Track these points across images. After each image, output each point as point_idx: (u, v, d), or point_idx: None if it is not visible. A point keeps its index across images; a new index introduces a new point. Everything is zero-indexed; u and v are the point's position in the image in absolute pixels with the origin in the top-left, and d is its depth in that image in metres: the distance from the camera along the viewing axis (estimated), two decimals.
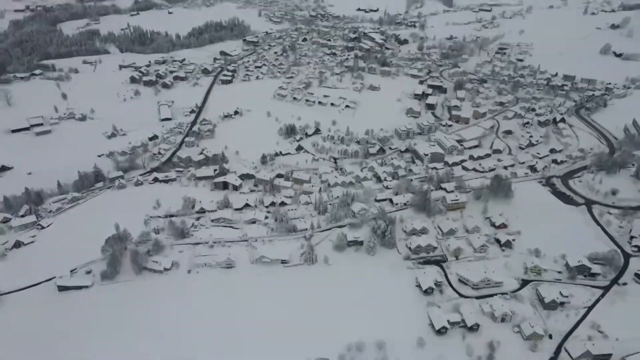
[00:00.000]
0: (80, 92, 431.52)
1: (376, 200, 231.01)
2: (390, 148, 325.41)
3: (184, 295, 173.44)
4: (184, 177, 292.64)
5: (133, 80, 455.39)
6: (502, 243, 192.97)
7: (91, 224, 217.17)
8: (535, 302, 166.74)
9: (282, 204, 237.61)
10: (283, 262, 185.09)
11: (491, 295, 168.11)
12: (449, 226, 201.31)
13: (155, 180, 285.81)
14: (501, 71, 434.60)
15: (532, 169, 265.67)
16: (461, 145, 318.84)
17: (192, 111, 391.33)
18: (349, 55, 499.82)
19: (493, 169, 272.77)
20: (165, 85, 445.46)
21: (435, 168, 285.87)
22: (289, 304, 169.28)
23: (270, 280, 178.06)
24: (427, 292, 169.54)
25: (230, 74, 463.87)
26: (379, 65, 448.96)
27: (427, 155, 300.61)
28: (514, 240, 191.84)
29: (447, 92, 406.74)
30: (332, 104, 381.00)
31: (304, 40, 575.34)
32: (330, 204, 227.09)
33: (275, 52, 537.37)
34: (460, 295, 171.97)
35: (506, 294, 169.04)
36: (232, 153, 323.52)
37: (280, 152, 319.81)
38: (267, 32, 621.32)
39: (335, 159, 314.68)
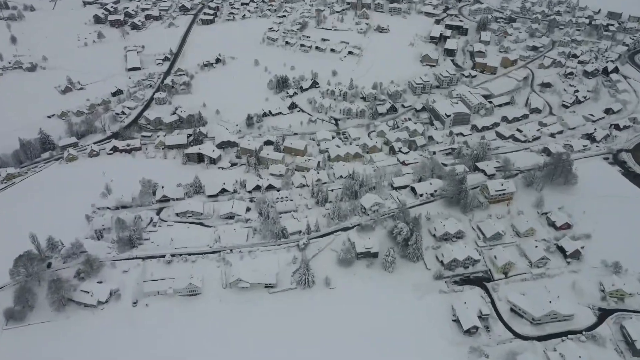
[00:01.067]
0: (33, 34, 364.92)
1: (393, 188, 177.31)
2: (404, 106, 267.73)
3: (127, 341, 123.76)
4: (152, 146, 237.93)
5: (97, 20, 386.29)
6: (567, 253, 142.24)
7: (13, 223, 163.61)
8: (620, 345, 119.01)
9: (270, 187, 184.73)
10: (268, 286, 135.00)
11: (559, 335, 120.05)
12: (493, 228, 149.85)
13: (115, 149, 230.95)
14: (532, 7, 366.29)
15: (590, 137, 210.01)
16: (489, 102, 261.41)
17: (166, 59, 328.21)
18: None
19: (537, 137, 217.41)
20: (135, 26, 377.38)
21: (461, 134, 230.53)
22: (276, 347, 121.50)
23: (249, 314, 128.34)
24: (470, 332, 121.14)
25: (212, 12, 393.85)
26: (388, 1, 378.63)
27: (449, 116, 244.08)
28: (582, 248, 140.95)
29: (468, 34, 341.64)
30: (332, 50, 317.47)
31: None
32: (331, 190, 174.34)
33: None
34: (516, 334, 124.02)
35: (580, 333, 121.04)
36: (212, 112, 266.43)
37: (270, 112, 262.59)
38: None
39: (336, 120, 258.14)
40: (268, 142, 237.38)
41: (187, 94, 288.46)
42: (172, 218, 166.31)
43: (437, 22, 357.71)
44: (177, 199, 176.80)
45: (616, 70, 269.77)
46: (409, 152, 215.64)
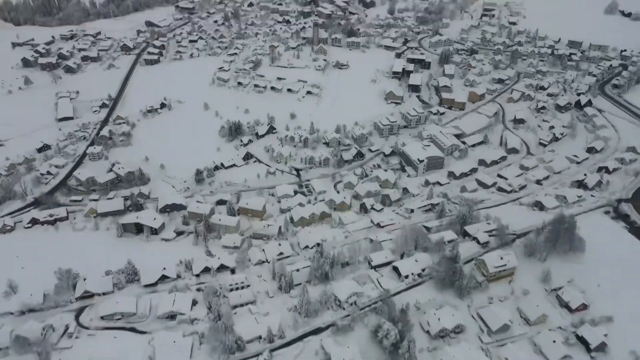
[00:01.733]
0: None
1: (371, 266, 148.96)
2: (371, 150, 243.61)
3: None
4: (81, 214, 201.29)
5: (26, 63, 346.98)
6: (591, 347, 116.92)
7: None
8: None
9: (222, 267, 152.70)
10: None
11: None
12: (499, 318, 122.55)
13: (34, 222, 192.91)
14: (493, 38, 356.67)
15: (582, 185, 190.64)
16: (462, 142, 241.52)
17: (104, 105, 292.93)
18: (305, 23, 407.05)
19: (523, 186, 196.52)
20: (69, 70, 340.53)
21: (438, 183, 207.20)
22: None
23: None
24: None
25: (157, 51, 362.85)
26: (345, 36, 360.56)
27: (422, 161, 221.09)
28: (606, 336, 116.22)
29: (431, 68, 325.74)
30: (289, 90, 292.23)
31: (250, 5, 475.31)
32: (297, 270, 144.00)
33: (216, 21, 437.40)
34: None
35: None
36: (156, 167, 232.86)
37: (222, 165, 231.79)
38: None
39: (298, 170, 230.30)
40: (221, 202, 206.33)
41: (127, 146, 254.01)
42: (96, 323, 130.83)
43: (398, 55, 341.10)
44: (103, 294, 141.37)
45: (589, 103, 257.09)
46: (382, 209, 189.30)
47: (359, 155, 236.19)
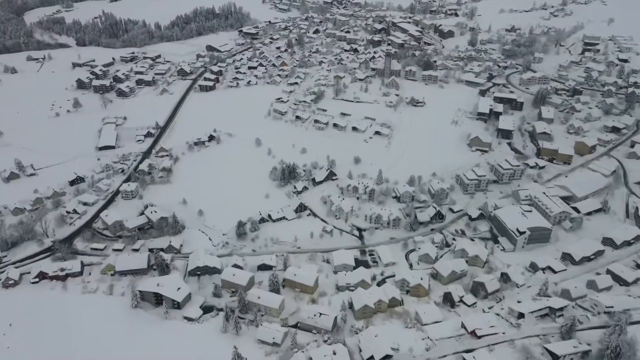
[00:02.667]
0: (1, 101, 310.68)
1: None
2: (452, 210, 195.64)
3: None
4: (97, 269, 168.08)
5: (80, 84, 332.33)
6: None
7: None
8: None
9: None
10: None
11: None
12: None
13: (42, 276, 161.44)
14: (600, 77, 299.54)
15: None
16: (574, 208, 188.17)
17: (149, 134, 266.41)
18: (375, 52, 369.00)
19: None
20: (121, 93, 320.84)
21: (550, 269, 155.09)
22: None
23: None
24: None
25: (213, 77, 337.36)
26: (421, 68, 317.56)
27: (522, 233, 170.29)
28: None
29: (523, 109, 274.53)
30: (354, 129, 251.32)
31: (316, 32, 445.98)
32: None
33: (278, 48, 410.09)
34: None
35: None
36: (193, 213, 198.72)
37: (270, 217, 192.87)
38: (270, 22, 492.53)
39: (360, 231, 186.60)
40: (263, 267, 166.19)
41: (166, 184, 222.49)
42: None
43: (482, 93, 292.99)
44: None
45: None
46: (475, 303, 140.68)
47: (438, 216, 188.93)
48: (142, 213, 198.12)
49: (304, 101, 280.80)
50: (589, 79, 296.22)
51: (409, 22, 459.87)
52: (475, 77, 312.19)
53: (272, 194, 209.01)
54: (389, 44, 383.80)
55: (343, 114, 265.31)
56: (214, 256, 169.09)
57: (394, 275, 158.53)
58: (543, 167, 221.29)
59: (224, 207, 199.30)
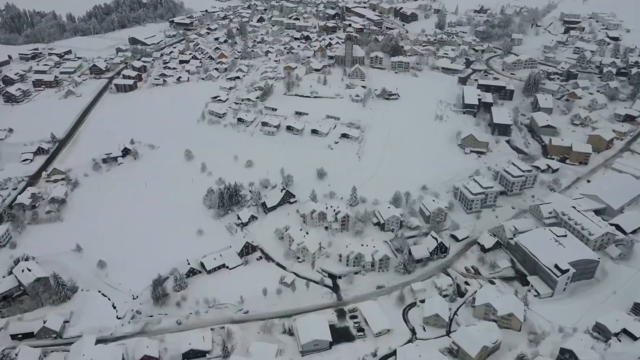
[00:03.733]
0: None
1: None
2: (456, 237, 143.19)
3: None
4: None
5: None
6: None
7: None
8: None
9: None
10: None
11: None
12: None
13: None
14: (593, 58, 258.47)
15: None
16: (615, 226, 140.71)
17: (40, 151, 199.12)
18: (331, 39, 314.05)
19: None
20: (10, 98, 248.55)
21: (628, 334, 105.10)
22: None
23: None
24: None
25: (134, 74, 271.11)
26: (388, 55, 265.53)
27: (565, 271, 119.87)
28: None
29: (513, 98, 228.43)
30: (314, 132, 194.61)
31: (260, 20, 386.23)
32: None
33: (217, 39, 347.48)
34: None
35: None
36: (91, 265, 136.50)
37: (203, 266, 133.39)
38: (207, 11, 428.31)
39: (334, 279, 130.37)
40: (192, 355, 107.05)
41: (55, 222, 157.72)
42: None
43: (463, 81, 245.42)
44: None
45: None
46: None
47: (440, 249, 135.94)
48: (11, 272, 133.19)
49: (248, 99, 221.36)
50: (582, 60, 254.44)
51: (364, 7, 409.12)
52: (451, 62, 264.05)
53: (207, 228, 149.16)
54: (346, 30, 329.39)
55: (298, 114, 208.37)
56: (112, 345, 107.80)
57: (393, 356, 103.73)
58: (556, 170, 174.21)
59: (137, 254, 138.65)
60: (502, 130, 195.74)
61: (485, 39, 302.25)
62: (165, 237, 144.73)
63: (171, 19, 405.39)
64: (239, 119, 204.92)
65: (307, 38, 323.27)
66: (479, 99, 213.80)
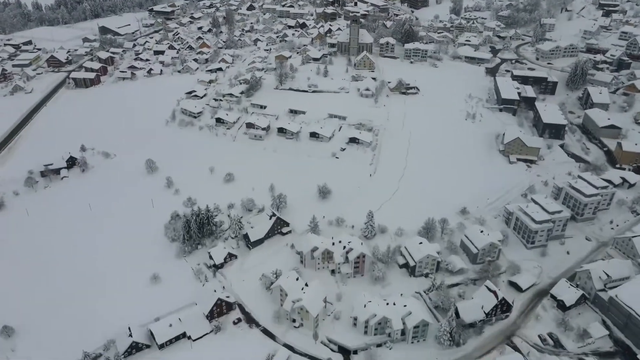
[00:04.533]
0: None
1: None
2: (517, 285, 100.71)
3: None
4: None
5: None
6: None
7: None
8: None
9: None
10: None
11: None
12: None
13: None
14: None
15: None
16: None
17: None
18: (331, 25, 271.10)
19: None
20: None
21: None
22: None
23: None
24: None
25: (97, 66, 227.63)
26: (400, 43, 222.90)
27: None
28: None
29: (556, 92, 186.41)
30: (313, 135, 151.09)
31: (250, 8, 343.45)
32: None
33: (200, 28, 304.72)
34: None
35: None
36: None
37: (153, 337, 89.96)
38: (191, 0, 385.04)
39: (346, 353, 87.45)
40: None
41: None
42: None
43: (492, 72, 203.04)
44: None
45: None
46: None
47: (501, 307, 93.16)
48: None
49: (230, 94, 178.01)
50: (634, 47, 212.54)
51: None
52: (475, 50, 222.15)
53: (165, 273, 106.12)
54: (351, 13, 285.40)
55: (293, 112, 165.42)
56: None
57: None
58: (634, 185, 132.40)
59: (61, 316, 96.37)
60: (554, 132, 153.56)
61: (510, 25, 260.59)
62: (105, 288, 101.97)
63: (151, 8, 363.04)
64: (218, 120, 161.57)
65: (303, 25, 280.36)
66: (519, 94, 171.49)
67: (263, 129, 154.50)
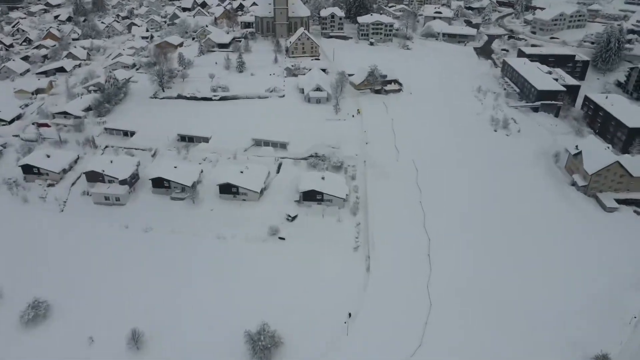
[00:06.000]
0: None
1: None
2: None
3: None
4: None
5: None
6: None
7: None
8: None
9: None
10: None
11: None
12: None
13: None
14: None
15: None
16: None
17: None
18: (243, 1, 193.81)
19: None
20: None
21: None
22: None
23: None
24: None
25: None
26: (349, 15, 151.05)
27: None
28: None
29: (585, 77, 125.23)
30: (228, 191, 73.71)
31: None
32: None
33: (57, 16, 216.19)
34: None
35: None
36: None
37: None
38: None
39: None
40: None
41: None
42: None
43: (484, 52, 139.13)
44: None
45: None
46: None
47: None
48: None
49: (65, 114, 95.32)
50: None
51: None
52: (450, 25, 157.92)
53: None
54: None
55: (186, 140, 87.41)
56: None
57: None
58: None
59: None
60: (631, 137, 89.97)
61: None
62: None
63: None
64: (28, 168, 79.14)
65: (204, 5, 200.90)
66: (555, 81, 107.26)
67: (124, 181, 75.27)
